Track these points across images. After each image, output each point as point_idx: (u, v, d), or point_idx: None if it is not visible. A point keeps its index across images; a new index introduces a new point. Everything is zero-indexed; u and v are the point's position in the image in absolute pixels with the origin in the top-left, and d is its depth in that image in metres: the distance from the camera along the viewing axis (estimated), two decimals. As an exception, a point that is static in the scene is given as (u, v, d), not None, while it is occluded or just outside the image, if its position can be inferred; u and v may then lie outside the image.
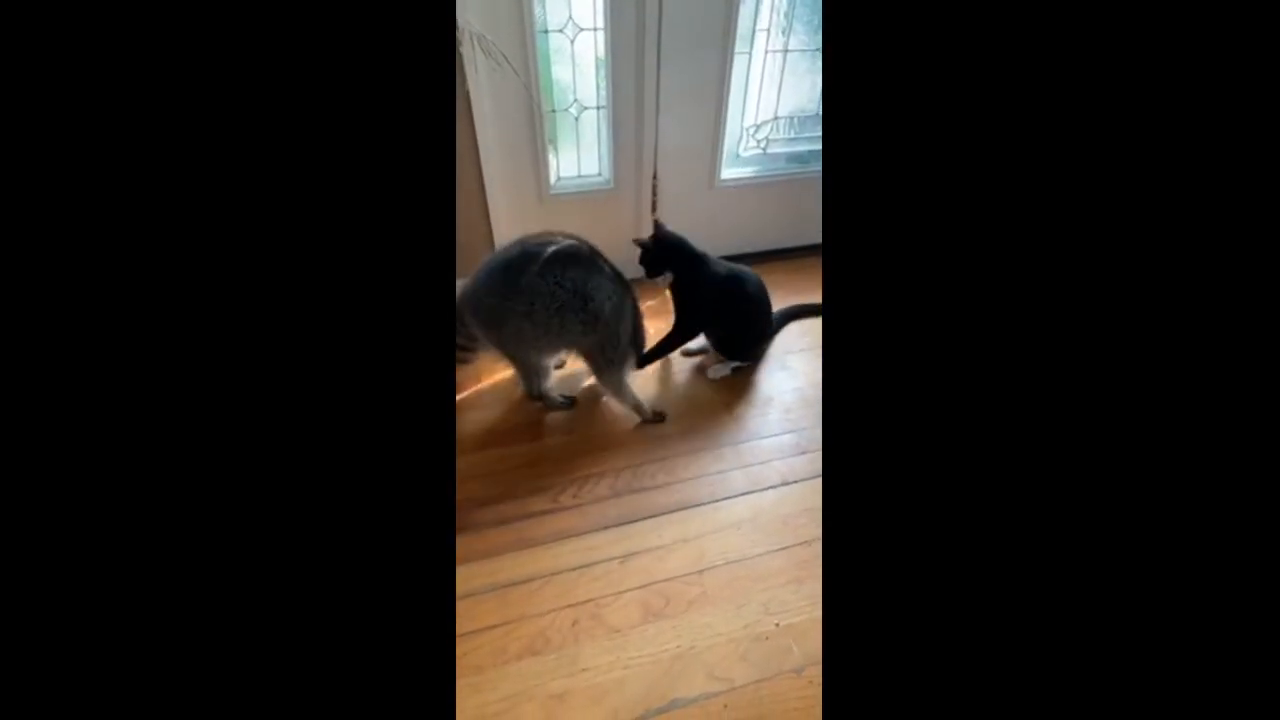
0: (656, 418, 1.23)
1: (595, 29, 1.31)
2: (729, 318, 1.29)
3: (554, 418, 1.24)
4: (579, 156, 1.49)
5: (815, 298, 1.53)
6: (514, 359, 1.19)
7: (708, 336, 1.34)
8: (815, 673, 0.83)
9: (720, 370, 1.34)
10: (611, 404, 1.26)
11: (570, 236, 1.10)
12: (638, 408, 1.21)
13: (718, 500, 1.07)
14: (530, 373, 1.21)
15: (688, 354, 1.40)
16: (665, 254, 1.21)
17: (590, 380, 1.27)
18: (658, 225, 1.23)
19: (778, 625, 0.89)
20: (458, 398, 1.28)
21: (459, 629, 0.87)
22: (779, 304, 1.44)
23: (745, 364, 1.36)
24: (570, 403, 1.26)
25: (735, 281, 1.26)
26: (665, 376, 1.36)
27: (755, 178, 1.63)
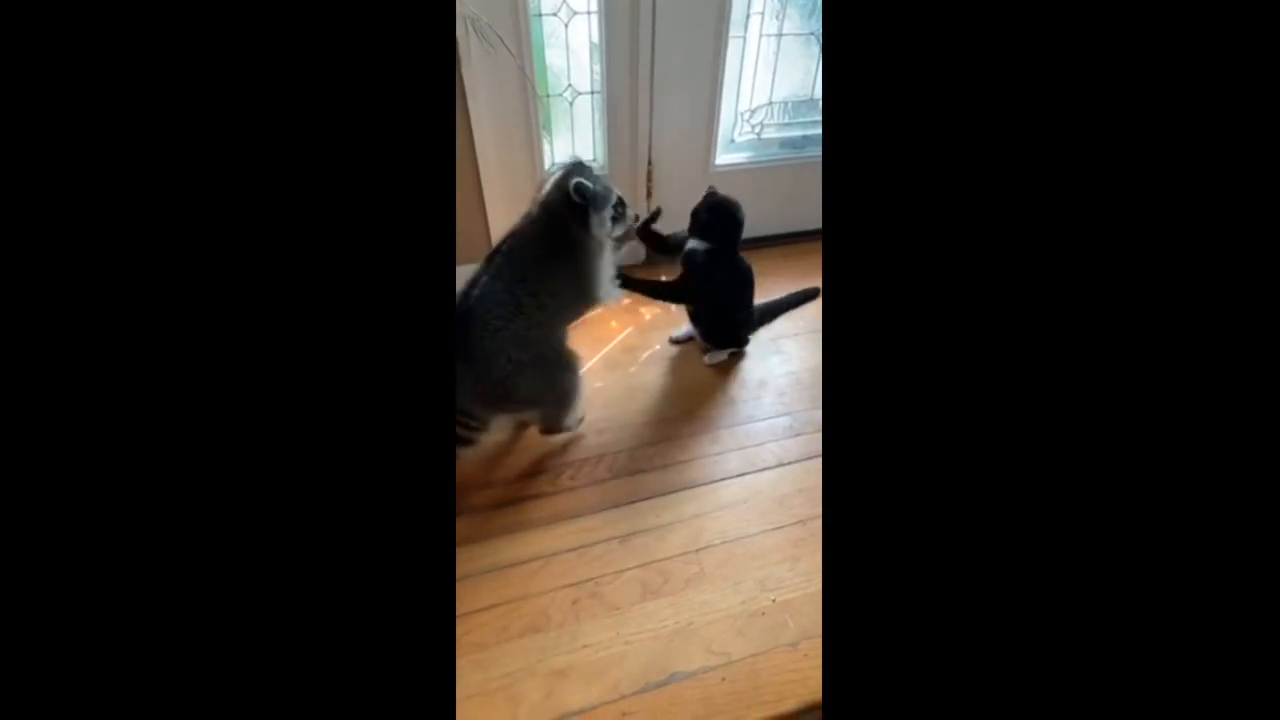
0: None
1: (589, 13, 1.31)
2: (724, 303, 1.29)
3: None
4: (573, 141, 1.49)
5: (809, 284, 1.54)
6: (551, 395, 1.05)
7: (694, 324, 1.35)
8: (810, 646, 0.86)
9: (716, 356, 1.35)
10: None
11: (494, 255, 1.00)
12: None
13: (715, 481, 1.09)
14: (568, 397, 1.07)
15: (676, 342, 1.40)
16: (718, 224, 1.20)
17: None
18: (713, 191, 1.22)
19: (773, 601, 0.91)
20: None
21: (461, 608, 0.89)
22: (774, 289, 1.45)
23: (738, 350, 1.38)
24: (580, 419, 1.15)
25: (738, 268, 1.27)
26: (661, 361, 1.37)
27: (749, 163, 1.64)
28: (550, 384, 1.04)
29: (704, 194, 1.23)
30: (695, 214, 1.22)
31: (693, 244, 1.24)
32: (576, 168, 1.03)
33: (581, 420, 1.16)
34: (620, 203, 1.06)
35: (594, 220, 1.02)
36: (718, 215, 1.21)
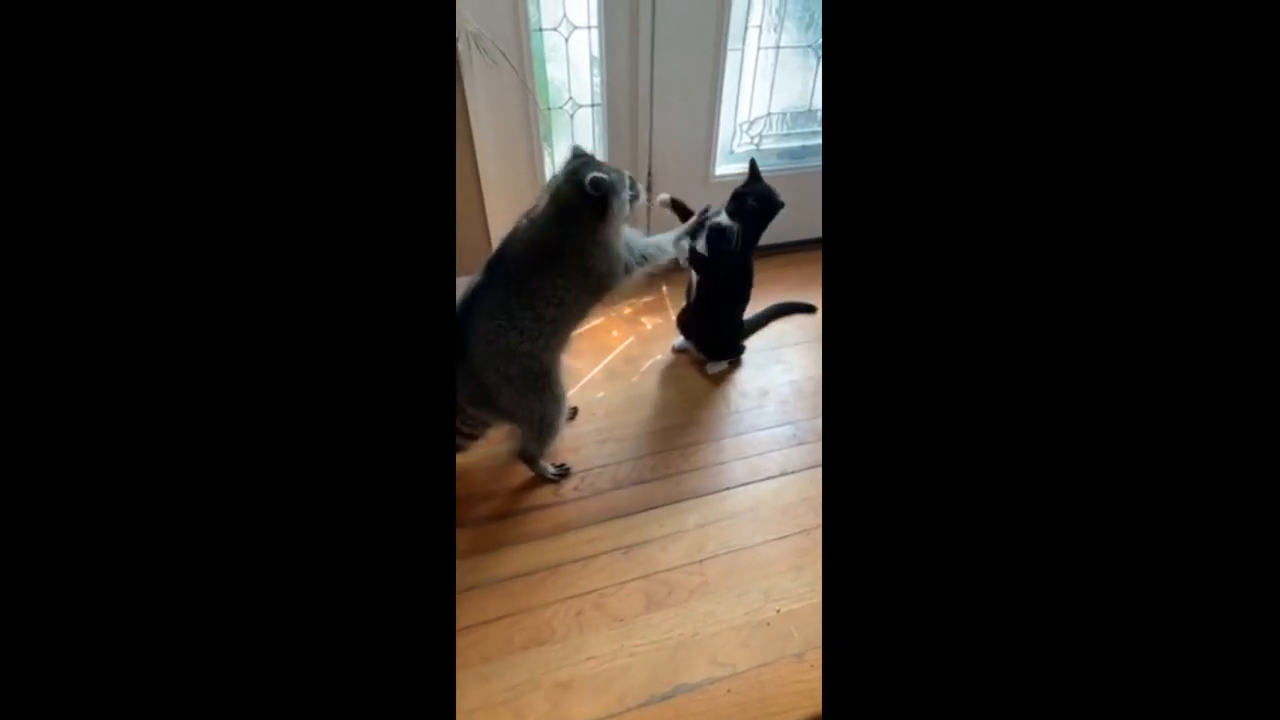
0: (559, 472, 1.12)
1: (589, 27, 1.32)
2: (730, 294, 1.29)
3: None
4: (574, 154, 1.50)
5: (807, 293, 1.55)
6: (530, 415, 1.01)
7: (687, 335, 1.34)
8: (815, 657, 0.85)
9: (717, 365, 1.35)
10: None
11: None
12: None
13: (718, 491, 1.09)
14: (547, 424, 1.02)
15: (678, 351, 1.40)
16: (757, 207, 1.16)
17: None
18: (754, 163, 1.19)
19: (778, 612, 0.91)
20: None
21: (464, 621, 0.88)
22: (772, 298, 1.46)
23: (736, 359, 1.38)
24: (563, 472, 1.12)
25: (747, 264, 1.27)
26: (663, 371, 1.37)
27: (749, 174, 1.65)
28: (532, 404, 0.99)
29: (747, 172, 1.20)
30: (739, 196, 1.19)
31: (727, 222, 1.19)
32: (586, 161, 0.97)
33: (564, 476, 1.11)
34: (633, 183, 1.02)
35: (615, 206, 0.96)
36: (763, 203, 1.19)
